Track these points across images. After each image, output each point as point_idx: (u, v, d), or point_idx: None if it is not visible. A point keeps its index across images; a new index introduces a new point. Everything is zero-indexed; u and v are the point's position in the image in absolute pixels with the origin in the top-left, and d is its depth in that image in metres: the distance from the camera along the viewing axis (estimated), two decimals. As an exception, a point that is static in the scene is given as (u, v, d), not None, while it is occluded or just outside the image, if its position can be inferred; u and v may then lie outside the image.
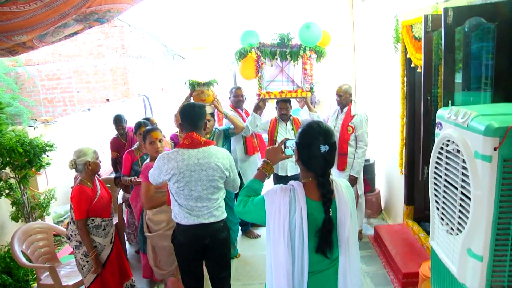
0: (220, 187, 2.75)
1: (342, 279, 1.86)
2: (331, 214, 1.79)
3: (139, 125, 4.11)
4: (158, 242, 3.27)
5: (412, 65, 3.84)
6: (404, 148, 4.42)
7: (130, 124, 4.94)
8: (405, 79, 4.26)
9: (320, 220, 1.78)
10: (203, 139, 2.70)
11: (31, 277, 3.88)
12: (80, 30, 2.71)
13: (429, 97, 3.38)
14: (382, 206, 5.57)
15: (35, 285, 3.68)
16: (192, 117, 2.71)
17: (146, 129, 3.45)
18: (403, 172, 4.47)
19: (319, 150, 1.78)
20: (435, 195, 2.30)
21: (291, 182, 1.89)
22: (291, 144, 2.02)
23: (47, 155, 4.33)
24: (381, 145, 5.46)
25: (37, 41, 2.51)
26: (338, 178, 1.93)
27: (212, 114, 4.10)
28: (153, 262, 3.34)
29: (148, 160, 3.38)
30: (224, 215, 2.82)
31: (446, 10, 2.57)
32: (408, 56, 3.92)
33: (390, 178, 5.18)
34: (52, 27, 2.37)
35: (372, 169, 5.43)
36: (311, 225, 1.77)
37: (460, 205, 1.98)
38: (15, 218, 4.27)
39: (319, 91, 10.23)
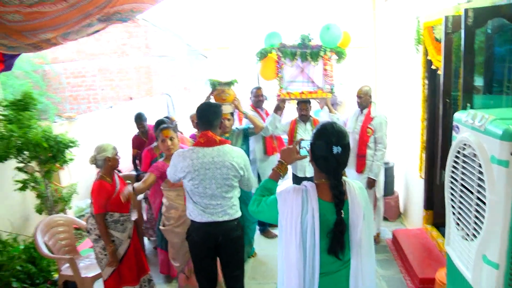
0: (235, 186, 2.77)
1: (354, 281, 1.84)
2: (343, 215, 1.78)
3: (159, 123, 4.18)
4: (168, 237, 3.35)
5: (433, 67, 3.76)
6: (424, 151, 4.35)
7: (151, 122, 5.03)
8: (426, 81, 4.18)
9: (332, 221, 1.78)
10: (218, 138, 2.73)
11: (53, 267, 4.00)
12: (102, 28, 2.77)
13: (448, 100, 3.31)
14: (401, 210, 5.49)
15: (57, 275, 3.80)
16: (207, 116, 2.74)
17: (159, 127, 3.51)
18: (423, 176, 4.40)
19: (331, 151, 1.78)
20: (451, 200, 2.27)
21: (304, 182, 1.90)
22: (306, 144, 2.03)
23: (70, 151, 4.45)
24: (401, 148, 5.38)
25: (61, 38, 2.59)
26: (353, 180, 1.93)
27: (232, 114, 4.13)
28: (170, 254, 3.44)
29: (162, 159, 3.44)
30: (238, 214, 2.83)
31: (466, 11, 2.52)
32: (429, 58, 3.86)
33: (409, 182, 5.10)
34: (76, 26, 2.44)
35: (392, 172, 5.36)
36: (323, 226, 1.77)
37: (476, 210, 1.93)
38: (39, 210, 4.41)
39: (341, 93, 10.15)
